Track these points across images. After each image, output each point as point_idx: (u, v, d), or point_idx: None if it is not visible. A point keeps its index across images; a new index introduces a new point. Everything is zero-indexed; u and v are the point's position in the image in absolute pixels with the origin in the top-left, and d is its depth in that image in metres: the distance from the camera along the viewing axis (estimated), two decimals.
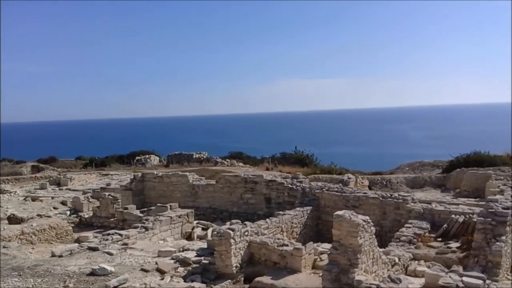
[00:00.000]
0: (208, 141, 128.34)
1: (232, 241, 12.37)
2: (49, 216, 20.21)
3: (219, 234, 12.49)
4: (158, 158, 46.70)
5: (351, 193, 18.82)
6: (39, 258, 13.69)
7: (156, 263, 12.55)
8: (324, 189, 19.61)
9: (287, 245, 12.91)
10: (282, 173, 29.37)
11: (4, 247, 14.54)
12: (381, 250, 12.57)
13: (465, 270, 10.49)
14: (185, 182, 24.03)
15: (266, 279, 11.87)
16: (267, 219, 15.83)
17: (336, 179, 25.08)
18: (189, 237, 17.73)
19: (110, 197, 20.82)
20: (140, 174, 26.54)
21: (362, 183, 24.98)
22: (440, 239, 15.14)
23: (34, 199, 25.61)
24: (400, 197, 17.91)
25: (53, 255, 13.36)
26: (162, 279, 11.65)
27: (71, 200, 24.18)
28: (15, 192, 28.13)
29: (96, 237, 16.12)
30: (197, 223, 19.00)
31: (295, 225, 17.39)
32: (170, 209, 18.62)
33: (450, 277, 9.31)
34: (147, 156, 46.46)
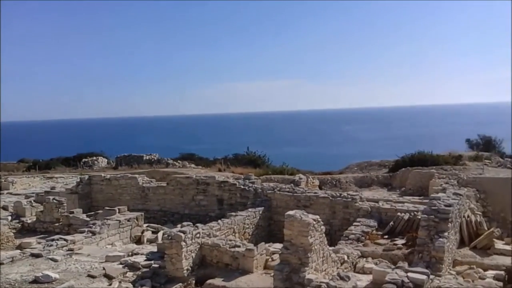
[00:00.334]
0: (159, 143, 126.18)
1: (183, 243, 12.21)
2: None
3: (169, 237, 12.29)
4: (106, 160, 45.34)
5: (302, 193, 19.09)
6: None
7: (104, 269, 12.17)
8: (276, 190, 19.78)
9: (239, 246, 12.90)
10: (234, 174, 29.34)
11: None
12: (331, 248, 12.81)
13: (410, 266, 10.85)
14: (135, 185, 23.50)
15: (217, 281, 11.80)
16: (219, 221, 15.78)
17: (287, 180, 25.32)
18: (138, 241, 17.35)
19: (54, 201, 19.95)
20: (87, 176, 25.66)
21: (313, 183, 25.37)
22: (387, 236, 15.64)
23: None
24: (349, 196, 18.36)
25: None
26: (110, 284, 11.32)
27: (12, 205, 22.95)
28: None
29: (39, 243, 15.38)
30: (147, 226, 18.63)
31: (247, 226, 17.44)
32: (119, 212, 18.12)
33: (396, 273, 9.62)
34: (94, 158, 44.98)
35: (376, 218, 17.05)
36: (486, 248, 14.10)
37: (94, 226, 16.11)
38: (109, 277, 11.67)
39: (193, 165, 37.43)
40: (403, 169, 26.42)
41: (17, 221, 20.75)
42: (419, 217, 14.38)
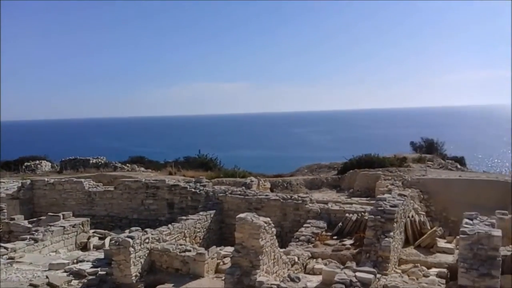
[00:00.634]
0: (107, 145, 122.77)
1: (131, 249, 11.91)
2: None
3: (117, 243, 11.96)
4: (50, 164, 43.46)
5: (254, 196, 19.14)
6: None
7: (47, 277, 11.67)
8: (227, 193, 19.71)
9: (189, 251, 12.75)
10: (185, 177, 28.98)
11: None
12: (281, 250, 12.90)
13: (358, 266, 11.14)
14: (80, 189, 22.70)
15: (167, 287, 11.60)
16: (170, 225, 15.56)
17: (239, 182, 25.29)
18: (84, 247, 16.76)
19: None
20: (29, 181, 24.49)
21: (264, 185, 25.50)
22: (336, 237, 15.96)
23: None
24: (300, 198, 18.60)
25: None
26: None
27: None
28: None
29: None
30: (93, 232, 18.04)
31: (199, 230, 17.27)
32: (63, 218, 17.40)
33: (344, 273, 9.84)
34: (37, 162, 42.98)
35: (325, 219, 17.36)
36: (429, 246, 14.70)
37: (36, 233, 15.40)
38: (52, 286, 11.21)
39: (142, 169, 36.62)
40: (351, 171, 27.11)
41: None
42: (366, 218, 14.79)
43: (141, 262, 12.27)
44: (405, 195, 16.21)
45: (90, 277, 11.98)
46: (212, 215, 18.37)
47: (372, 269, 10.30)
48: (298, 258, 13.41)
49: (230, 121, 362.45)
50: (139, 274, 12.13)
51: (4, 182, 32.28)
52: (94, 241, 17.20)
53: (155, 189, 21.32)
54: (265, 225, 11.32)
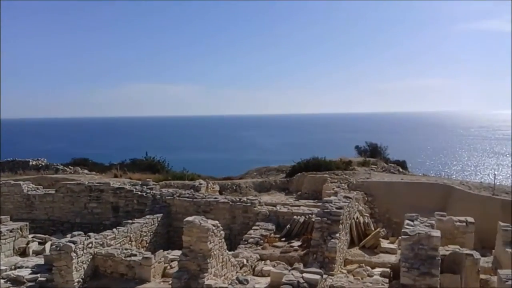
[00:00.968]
0: (49, 147, 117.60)
1: (73, 254, 11.47)
2: None
3: (58, 248, 11.48)
4: None
5: (202, 199, 18.98)
6: None
7: None
8: (175, 196, 19.41)
9: (135, 255, 12.44)
10: (131, 180, 28.23)
11: None
12: (230, 253, 12.86)
13: (306, 267, 11.30)
14: (19, 192, 21.56)
15: None
16: (114, 229, 15.09)
17: (187, 185, 24.95)
18: (23, 253, 15.91)
19: None
20: None
21: (213, 188, 25.32)
22: (284, 239, 16.13)
23: None
24: (248, 201, 18.65)
25: None
26: None
27: None
28: None
29: None
30: (33, 237, 17.16)
31: (145, 234, 16.88)
32: (0, 222, 16.43)
33: (292, 274, 9.96)
34: None
35: (274, 221, 17.51)
36: (373, 247, 15.17)
37: None
38: None
39: (86, 171, 35.30)
40: (299, 174, 27.50)
41: None
42: (314, 220, 15.05)
43: (84, 268, 11.83)
44: (350, 198, 16.64)
45: (29, 283, 11.45)
46: (159, 219, 18.02)
47: (319, 270, 10.49)
48: (247, 261, 13.42)
49: (178, 123, 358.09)
50: (82, 280, 11.70)
51: None
52: (34, 246, 16.37)
53: (99, 192, 20.63)
54: (214, 228, 11.26)
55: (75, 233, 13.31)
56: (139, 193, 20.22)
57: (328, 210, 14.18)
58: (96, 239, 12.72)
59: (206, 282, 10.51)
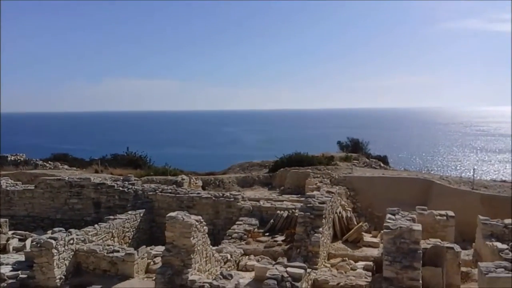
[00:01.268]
0: (28, 142, 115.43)
1: (54, 251, 11.31)
2: None
3: (38, 245, 11.29)
4: None
5: (185, 194, 18.89)
6: None
7: None
8: (157, 191, 19.27)
9: (118, 251, 12.32)
10: (113, 175, 27.93)
11: None
12: (214, 248, 12.84)
13: (290, 261, 11.34)
14: None
15: None
16: (96, 225, 14.98)
17: (170, 181, 24.78)
18: (3, 250, 15.64)
19: None
20: None
21: (196, 183, 25.22)
22: (267, 234, 16.17)
23: None
24: (232, 196, 18.63)
25: None
26: None
27: None
28: None
29: None
30: (12, 234, 16.88)
31: (127, 230, 16.74)
32: None
33: (276, 268, 9.98)
34: None
35: (257, 216, 17.53)
36: (356, 241, 15.33)
37: None
38: None
39: (66, 166, 34.79)
40: (282, 169, 27.57)
41: None
42: (297, 214, 15.11)
43: (65, 264, 11.68)
44: (332, 192, 16.77)
45: (10, 280, 11.29)
46: (141, 214, 17.88)
47: (302, 264, 10.54)
48: (231, 256, 13.42)
49: (160, 118, 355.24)
50: (63, 277, 11.55)
51: None
52: (14, 243, 16.10)
53: (79, 188, 20.34)
54: (197, 223, 11.21)
55: (56, 229, 13.13)
56: (121, 188, 20.00)
57: (311, 205, 14.25)
58: (77, 235, 12.56)
59: (190, 278, 10.47)
